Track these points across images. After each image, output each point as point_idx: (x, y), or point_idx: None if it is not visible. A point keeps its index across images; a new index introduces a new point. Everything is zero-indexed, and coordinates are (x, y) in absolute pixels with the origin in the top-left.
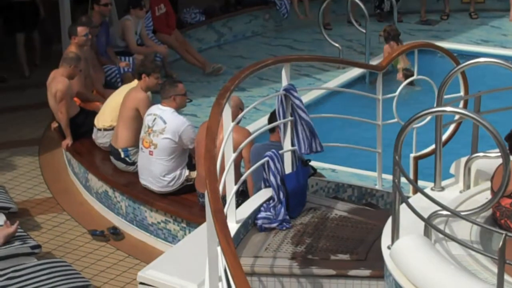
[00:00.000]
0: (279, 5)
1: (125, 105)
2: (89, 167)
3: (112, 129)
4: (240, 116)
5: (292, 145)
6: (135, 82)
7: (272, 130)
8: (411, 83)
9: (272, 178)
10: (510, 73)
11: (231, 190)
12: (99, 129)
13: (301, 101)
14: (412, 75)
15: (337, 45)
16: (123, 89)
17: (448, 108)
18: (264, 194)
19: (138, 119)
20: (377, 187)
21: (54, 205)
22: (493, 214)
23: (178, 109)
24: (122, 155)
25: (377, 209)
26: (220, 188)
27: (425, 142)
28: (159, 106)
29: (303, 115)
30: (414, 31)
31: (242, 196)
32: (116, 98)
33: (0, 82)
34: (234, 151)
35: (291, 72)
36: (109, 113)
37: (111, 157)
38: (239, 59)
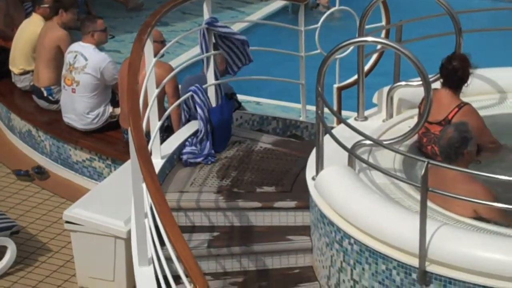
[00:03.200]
0: None
1: (43, 43)
2: (10, 107)
3: (27, 73)
4: (162, 51)
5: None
6: (34, 18)
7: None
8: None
9: (199, 111)
10: (430, 1)
11: (155, 126)
12: (15, 74)
13: (228, 27)
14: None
15: None
16: (24, 27)
17: (369, 38)
18: (189, 128)
19: (59, 57)
20: (301, 118)
21: None
22: (418, 141)
23: (98, 45)
24: (45, 94)
25: (301, 140)
26: (144, 124)
27: (349, 72)
28: (80, 43)
29: (233, 38)
30: None
31: (167, 131)
32: (22, 38)
33: None
34: (157, 86)
35: (214, 5)
36: (19, 57)
37: (34, 96)
38: None
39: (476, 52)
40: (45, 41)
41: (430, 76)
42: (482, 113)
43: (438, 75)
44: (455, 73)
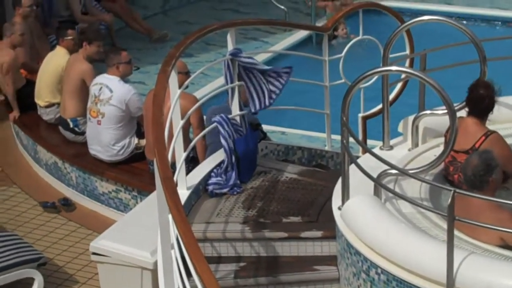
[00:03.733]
0: None
1: (69, 76)
2: (37, 139)
3: (52, 105)
4: (186, 82)
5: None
6: (58, 50)
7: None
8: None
9: (223, 142)
10: (454, 30)
11: (180, 156)
12: (41, 107)
13: (251, 58)
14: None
15: (282, 7)
16: (49, 59)
17: (394, 68)
18: (215, 159)
19: (84, 89)
20: (326, 148)
21: (4, 178)
22: (445, 170)
23: (123, 77)
24: (71, 125)
25: (327, 170)
26: (169, 155)
27: (374, 101)
28: (104, 75)
29: (255, 71)
30: None
31: (192, 162)
32: (46, 71)
33: None
34: (182, 117)
35: (238, 36)
36: (44, 89)
37: (60, 128)
38: (185, 24)
39: (500, 80)
40: (71, 73)
41: (455, 104)
42: (509, 140)
43: (463, 104)
44: (482, 101)
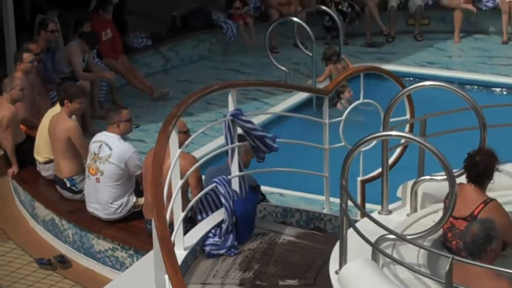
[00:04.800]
0: (225, 28)
1: (55, 136)
2: (35, 195)
3: (51, 161)
4: (186, 142)
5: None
6: (59, 107)
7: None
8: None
9: (224, 202)
10: (455, 96)
11: (179, 217)
12: (40, 163)
13: (251, 122)
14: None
15: (283, 68)
16: (48, 116)
17: (394, 132)
18: (212, 220)
19: (73, 147)
20: (325, 211)
21: (0, 233)
22: (443, 236)
23: (123, 135)
24: (68, 185)
25: (325, 233)
26: (168, 215)
27: (373, 165)
28: (104, 132)
29: (258, 134)
30: (360, 53)
31: (190, 222)
32: (46, 127)
33: None
34: (181, 177)
35: (239, 96)
36: (43, 145)
37: (57, 187)
38: (186, 83)
39: (501, 147)
40: (57, 133)
41: (454, 170)
42: (508, 208)
43: (463, 170)
44: (476, 168)
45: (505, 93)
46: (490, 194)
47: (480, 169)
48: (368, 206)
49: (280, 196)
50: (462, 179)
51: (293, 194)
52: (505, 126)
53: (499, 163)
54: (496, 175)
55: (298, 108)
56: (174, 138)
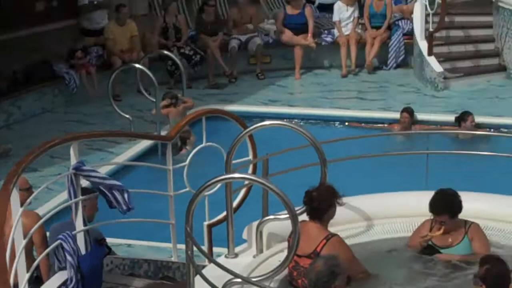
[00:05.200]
0: (68, 79)
1: None
2: None
3: None
4: (29, 199)
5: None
6: None
7: None
8: None
9: (69, 258)
10: (296, 133)
11: (23, 278)
12: None
13: (95, 171)
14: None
15: (127, 116)
16: None
17: (236, 175)
18: (59, 278)
19: None
20: (173, 259)
21: None
22: (289, 275)
23: None
24: None
25: (174, 282)
26: (12, 276)
27: (220, 208)
28: None
29: (107, 182)
30: (203, 96)
31: (36, 282)
32: None
33: None
34: (25, 237)
35: (83, 147)
36: None
37: None
38: (30, 138)
39: (345, 181)
40: None
41: (297, 208)
42: (351, 241)
43: (305, 208)
44: (313, 204)
45: (346, 125)
46: (332, 229)
47: (316, 205)
48: (217, 250)
49: (128, 247)
50: (305, 217)
51: (141, 243)
52: (344, 160)
53: (339, 197)
54: (338, 209)
55: (144, 155)
56: (15, 197)
